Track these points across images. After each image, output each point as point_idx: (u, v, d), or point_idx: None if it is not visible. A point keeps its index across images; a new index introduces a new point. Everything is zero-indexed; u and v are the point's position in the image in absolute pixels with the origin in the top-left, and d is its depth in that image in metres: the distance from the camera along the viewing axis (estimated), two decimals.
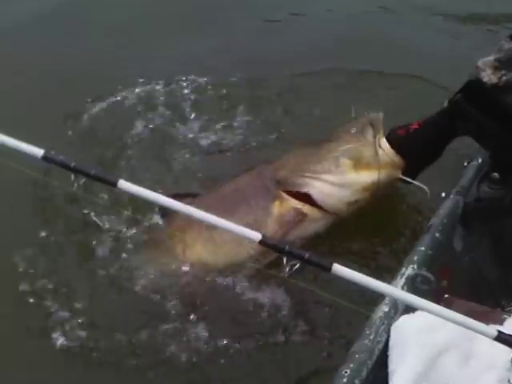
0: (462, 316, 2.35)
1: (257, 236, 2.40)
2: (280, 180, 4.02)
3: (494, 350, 2.62)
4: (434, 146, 3.66)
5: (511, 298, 3.27)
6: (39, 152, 2.42)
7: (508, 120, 3.19)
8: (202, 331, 3.70)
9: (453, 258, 3.38)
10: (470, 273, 3.45)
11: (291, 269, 2.39)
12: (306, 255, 2.38)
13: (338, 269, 2.35)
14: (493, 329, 2.30)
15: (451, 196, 3.43)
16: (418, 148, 3.72)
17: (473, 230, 3.47)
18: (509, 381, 2.44)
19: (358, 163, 3.86)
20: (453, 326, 2.65)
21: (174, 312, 3.80)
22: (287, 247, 2.39)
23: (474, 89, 3.19)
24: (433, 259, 3.14)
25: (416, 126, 3.59)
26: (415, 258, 3.10)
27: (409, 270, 3.03)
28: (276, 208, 3.97)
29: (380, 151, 3.80)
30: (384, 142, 3.80)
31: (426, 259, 3.12)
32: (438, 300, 2.99)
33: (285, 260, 2.39)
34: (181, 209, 2.42)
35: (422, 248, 3.16)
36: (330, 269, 2.35)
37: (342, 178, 3.88)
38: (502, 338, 2.28)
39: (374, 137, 3.85)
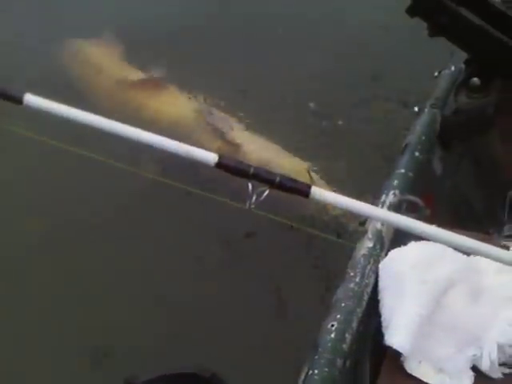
0: (474, 241, 1.87)
1: (212, 158, 1.87)
2: None
3: (504, 282, 2.19)
4: None
5: (499, 226, 2.82)
6: None
7: (486, 7, 2.70)
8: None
9: (434, 182, 2.90)
10: (453, 199, 2.98)
11: (258, 197, 1.87)
12: (277, 179, 1.86)
13: (318, 192, 1.87)
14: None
15: (426, 110, 2.93)
16: None
17: (452, 150, 2.98)
18: None
19: None
20: (455, 258, 2.21)
21: None
22: (252, 169, 1.86)
23: None
24: (415, 182, 2.64)
25: None
26: (395, 182, 2.59)
27: (390, 197, 2.53)
28: None
29: None
30: None
31: (408, 183, 2.61)
32: None
33: (250, 186, 1.86)
34: (113, 129, 1.84)
35: (402, 170, 2.65)
36: (308, 193, 1.86)
37: None
38: None
39: None
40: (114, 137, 1.81)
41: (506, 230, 2.70)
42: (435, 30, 2.74)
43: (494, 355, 2.05)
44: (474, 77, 2.82)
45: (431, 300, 2.11)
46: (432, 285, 2.13)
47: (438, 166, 2.92)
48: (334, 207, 1.94)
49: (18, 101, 1.82)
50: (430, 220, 2.67)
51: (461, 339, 2.11)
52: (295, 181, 1.88)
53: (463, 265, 2.20)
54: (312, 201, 1.87)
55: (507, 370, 2.06)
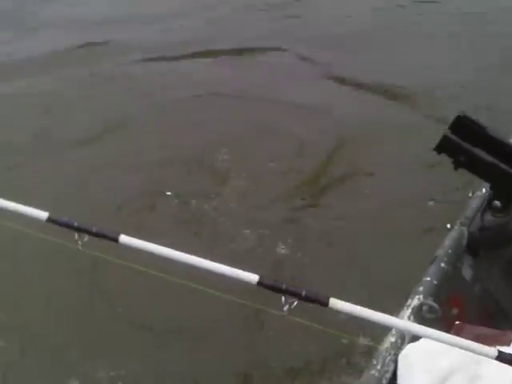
0: (461, 339, 2.39)
1: (254, 278, 2.48)
2: None
3: (500, 370, 2.66)
4: None
5: None
6: (44, 215, 2.57)
7: (498, 150, 3.29)
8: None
9: (463, 286, 3.43)
10: (482, 300, 3.50)
11: (290, 306, 2.45)
12: (303, 292, 2.43)
13: (336, 303, 2.41)
14: (493, 349, 2.33)
15: (455, 227, 3.50)
16: None
17: (481, 259, 3.52)
18: None
19: None
20: (458, 351, 2.72)
21: None
22: (284, 286, 2.46)
23: (462, 123, 3.30)
24: (439, 289, 3.20)
25: None
26: (421, 288, 3.17)
27: (415, 301, 3.09)
28: None
29: None
30: None
31: (432, 289, 3.18)
32: (449, 328, 3.06)
33: (283, 299, 2.46)
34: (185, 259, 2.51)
35: (428, 278, 3.23)
36: (327, 304, 2.41)
37: None
38: (502, 357, 2.31)
39: None
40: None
41: None
42: (458, 164, 3.35)
43: None
44: (496, 200, 3.38)
45: None
46: (436, 373, 2.67)
47: (467, 273, 3.45)
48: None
49: (115, 240, 2.54)
50: (457, 318, 3.23)
51: None
52: (316, 293, 2.46)
53: (465, 357, 2.71)
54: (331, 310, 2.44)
55: None
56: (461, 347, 2.39)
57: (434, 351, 2.73)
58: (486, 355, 2.34)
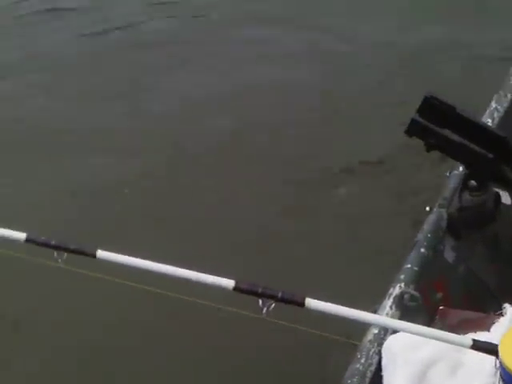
0: (436, 330, 2.42)
1: (230, 283, 2.52)
2: None
3: (481, 357, 2.71)
4: None
5: None
6: (22, 236, 2.62)
7: (468, 129, 3.31)
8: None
9: (446, 269, 3.46)
10: (467, 281, 3.52)
11: (268, 308, 2.50)
12: (279, 294, 2.47)
13: (312, 303, 2.44)
14: (467, 338, 2.36)
15: (434, 209, 3.51)
16: None
17: (463, 240, 3.54)
18: None
19: None
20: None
21: None
22: (260, 289, 2.51)
23: (429, 105, 3.31)
24: (420, 275, 3.23)
25: None
26: (402, 276, 3.20)
27: (396, 290, 3.12)
28: None
29: None
30: None
31: (414, 276, 3.22)
32: (433, 313, 3.10)
33: (260, 302, 2.50)
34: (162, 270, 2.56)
35: (408, 265, 3.26)
36: (303, 304, 2.44)
37: None
38: (477, 346, 2.33)
39: None
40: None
41: None
42: (430, 146, 3.37)
43: None
44: (472, 179, 3.40)
45: (415, 377, 2.70)
46: (415, 364, 2.72)
47: (449, 255, 3.48)
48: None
49: (92, 256, 2.59)
50: (443, 302, 3.26)
51: None
52: (292, 294, 2.48)
53: (447, 346, 2.75)
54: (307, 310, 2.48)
55: None
56: (436, 339, 2.43)
57: (415, 341, 2.77)
58: (462, 345, 2.37)
